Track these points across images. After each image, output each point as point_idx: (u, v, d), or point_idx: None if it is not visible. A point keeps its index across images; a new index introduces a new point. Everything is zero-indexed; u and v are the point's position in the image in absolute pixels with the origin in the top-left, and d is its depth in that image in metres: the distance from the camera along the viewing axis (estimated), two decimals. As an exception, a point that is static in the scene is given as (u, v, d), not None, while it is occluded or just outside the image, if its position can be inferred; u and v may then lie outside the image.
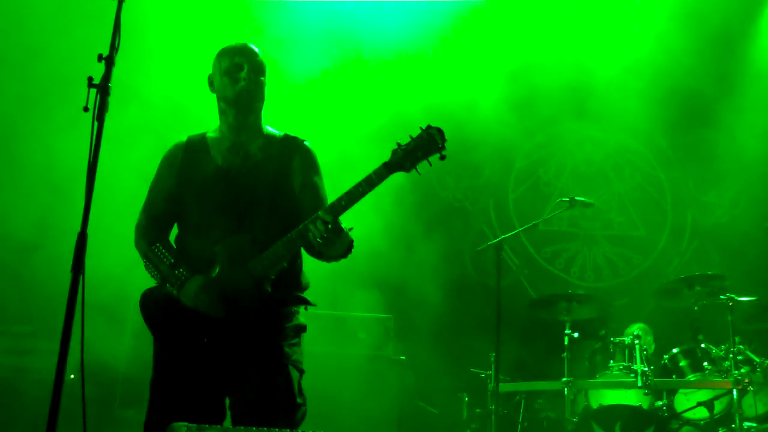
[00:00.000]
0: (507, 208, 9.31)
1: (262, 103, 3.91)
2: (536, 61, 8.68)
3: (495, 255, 6.73)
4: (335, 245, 3.56)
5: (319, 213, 3.46)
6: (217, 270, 3.62)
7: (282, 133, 3.95)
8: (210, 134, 3.93)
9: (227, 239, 3.64)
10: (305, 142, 3.95)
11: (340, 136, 7.67)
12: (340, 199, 3.46)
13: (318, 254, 3.77)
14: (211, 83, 3.91)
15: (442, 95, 8.53)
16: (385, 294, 7.95)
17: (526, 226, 7.29)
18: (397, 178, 3.59)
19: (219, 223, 3.70)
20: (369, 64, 8.58)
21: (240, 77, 3.78)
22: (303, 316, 3.84)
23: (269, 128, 3.96)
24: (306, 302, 3.77)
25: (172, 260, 3.68)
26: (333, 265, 3.90)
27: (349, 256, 3.74)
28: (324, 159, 4.02)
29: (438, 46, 8.80)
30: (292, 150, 3.88)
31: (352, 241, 3.67)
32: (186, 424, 3.02)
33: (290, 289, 3.76)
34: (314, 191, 3.84)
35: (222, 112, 3.90)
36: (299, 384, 3.66)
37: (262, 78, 3.85)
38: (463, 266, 8.89)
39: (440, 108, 8.34)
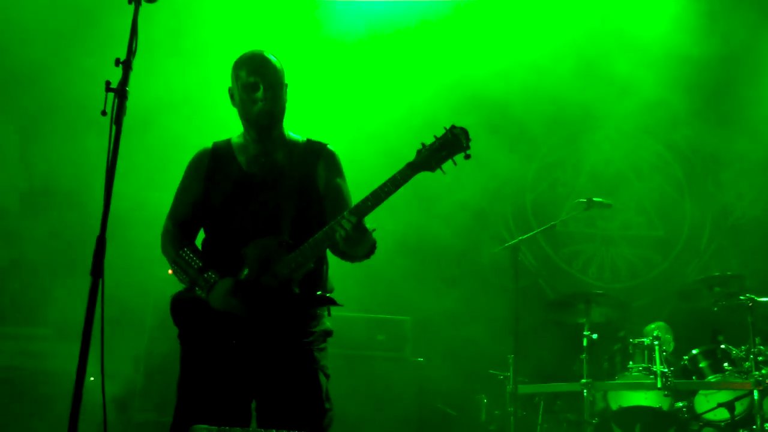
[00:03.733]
0: (524, 209, 9.29)
1: (283, 114, 3.92)
2: (552, 60, 8.66)
3: (512, 256, 6.74)
4: (360, 245, 3.58)
5: (345, 213, 3.49)
6: (245, 272, 3.65)
7: (304, 139, 3.98)
8: (235, 140, 3.97)
9: (255, 241, 3.67)
10: (328, 146, 3.99)
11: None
12: (365, 200, 3.48)
13: (342, 254, 3.80)
14: (231, 96, 3.92)
15: (459, 92, 8.55)
16: (403, 296, 7.96)
17: (544, 227, 7.30)
18: (418, 179, 3.61)
19: (246, 227, 3.74)
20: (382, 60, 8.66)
21: (257, 98, 3.78)
22: (329, 320, 3.87)
23: (292, 134, 3.99)
24: (332, 302, 3.77)
25: (201, 264, 3.70)
26: (351, 265, 3.93)
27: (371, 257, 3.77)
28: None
29: (454, 41, 8.83)
30: (315, 154, 3.93)
31: (375, 241, 3.69)
32: (207, 426, 3.04)
33: (316, 290, 3.78)
34: (338, 194, 3.88)
35: (244, 127, 3.94)
36: (327, 389, 3.69)
37: (280, 92, 3.85)
38: (480, 268, 8.87)
39: (457, 107, 8.36)
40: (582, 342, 6.61)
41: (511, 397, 6.75)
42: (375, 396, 6.79)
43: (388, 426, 6.79)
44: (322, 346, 3.77)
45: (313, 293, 3.73)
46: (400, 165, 3.53)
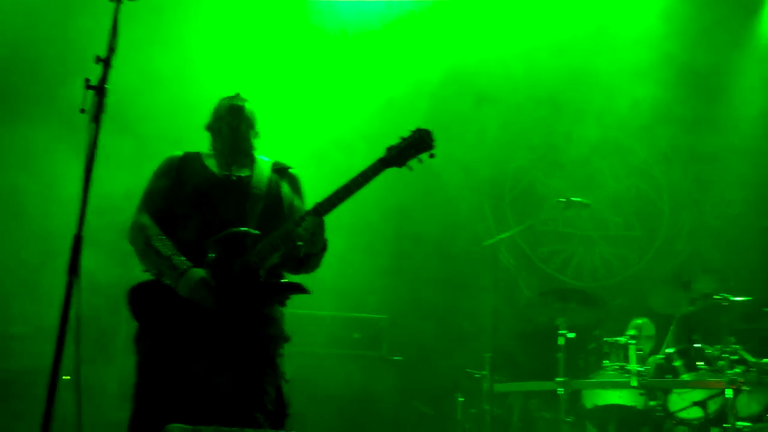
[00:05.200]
0: (503, 209, 9.31)
1: (250, 146, 4.13)
2: (531, 59, 8.69)
3: (491, 255, 6.77)
4: (319, 241, 3.74)
5: (308, 210, 3.69)
6: (211, 256, 3.69)
7: (272, 160, 4.16)
8: (205, 152, 4.13)
9: (224, 232, 3.73)
10: (290, 169, 4.19)
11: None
12: (337, 192, 3.66)
13: (297, 264, 3.90)
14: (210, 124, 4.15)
15: (438, 90, 8.57)
16: (379, 294, 7.96)
17: (522, 227, 7.35)
18: (393, 178, 3.70)
19: (213, 222, 3.79)
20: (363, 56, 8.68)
21: (224, 133, 4.05)
22: (286, 326, 3.97)
23: (261, 157, 4.16)
24: (300, 288, 3.83)
25: (174, 250, 3.71)
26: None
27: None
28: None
29: (434, 40, 8.85)
30: (281, 174, 4.13)
31: (326, 241, 3.84)
32: (181, 425, 3.04)
33: (282, 278, 3.89)
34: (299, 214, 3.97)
35: (214, 149, 4.13)
36: (287, 393, 3.81)
37: (244, 127, 4.07)
38: (458, 266, 8.88)
39: (436, 104, 8.38)
40: (558, 341, 6.64)
41: (487, 396, 6.79)
42: (351, 395, 6.79)
43: (364, 425, 6.81)
44: (281, 351, 3.88)
45: (279, 280, 3.85)
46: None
